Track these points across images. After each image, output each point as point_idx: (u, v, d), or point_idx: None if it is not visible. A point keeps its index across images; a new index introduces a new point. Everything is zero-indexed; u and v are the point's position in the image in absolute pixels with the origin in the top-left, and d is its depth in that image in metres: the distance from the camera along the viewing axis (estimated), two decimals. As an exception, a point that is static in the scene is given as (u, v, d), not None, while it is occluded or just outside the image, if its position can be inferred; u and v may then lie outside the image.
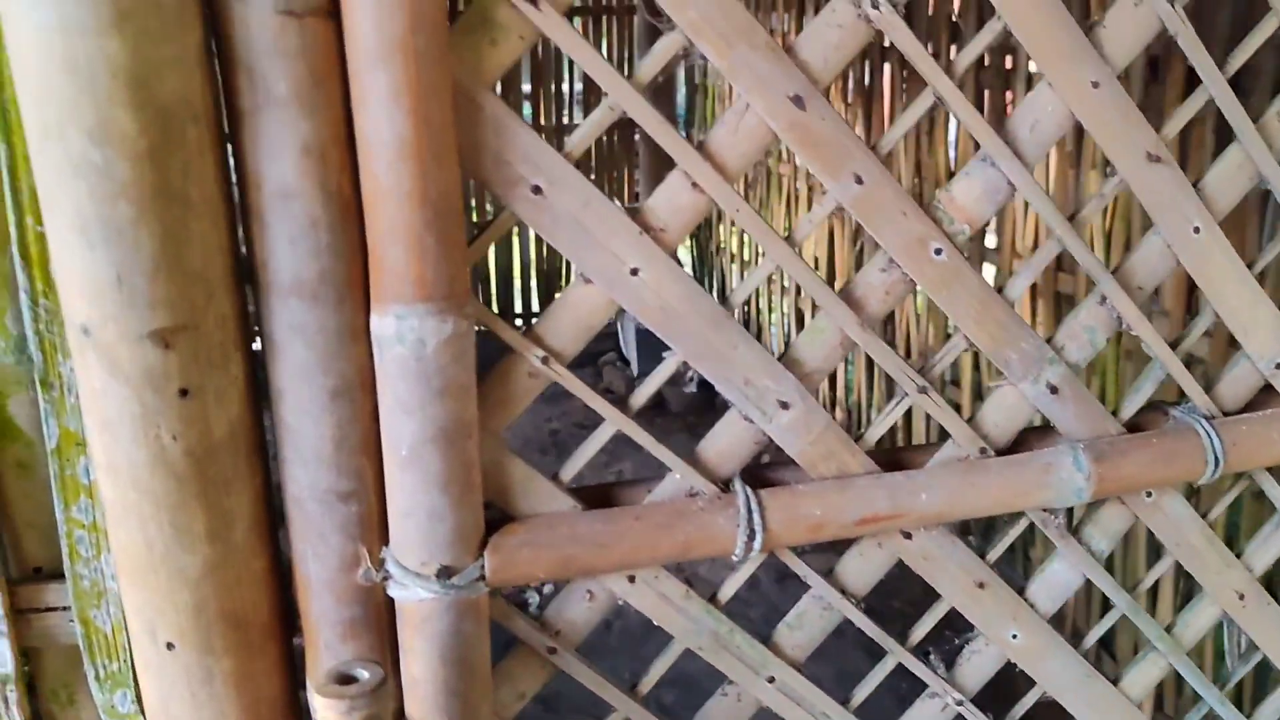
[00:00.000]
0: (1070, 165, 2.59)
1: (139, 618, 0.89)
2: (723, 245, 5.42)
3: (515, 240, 5.63)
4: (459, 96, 0.85)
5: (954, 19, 3.03)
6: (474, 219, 5.39)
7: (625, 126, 5.47)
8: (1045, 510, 1.16)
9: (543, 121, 5.49)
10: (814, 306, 4.18)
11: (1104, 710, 1.27)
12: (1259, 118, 1.15)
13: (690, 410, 4.45)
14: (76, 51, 0.72)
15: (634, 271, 0.94)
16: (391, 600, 0.93)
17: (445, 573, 0.90)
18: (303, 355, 0.85)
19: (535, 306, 5.69)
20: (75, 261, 0.77)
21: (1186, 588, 2.37)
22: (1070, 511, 1.27)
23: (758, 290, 5.03)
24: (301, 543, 0.91)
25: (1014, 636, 1.20)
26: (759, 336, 3.95)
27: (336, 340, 0.85)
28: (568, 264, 5.64)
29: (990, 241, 3.10)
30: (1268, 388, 1.24)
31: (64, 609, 1.00)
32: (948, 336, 3.41)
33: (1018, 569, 3.04)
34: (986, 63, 2.83)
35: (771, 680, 1.12)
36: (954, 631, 1.24)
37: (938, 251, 1.04)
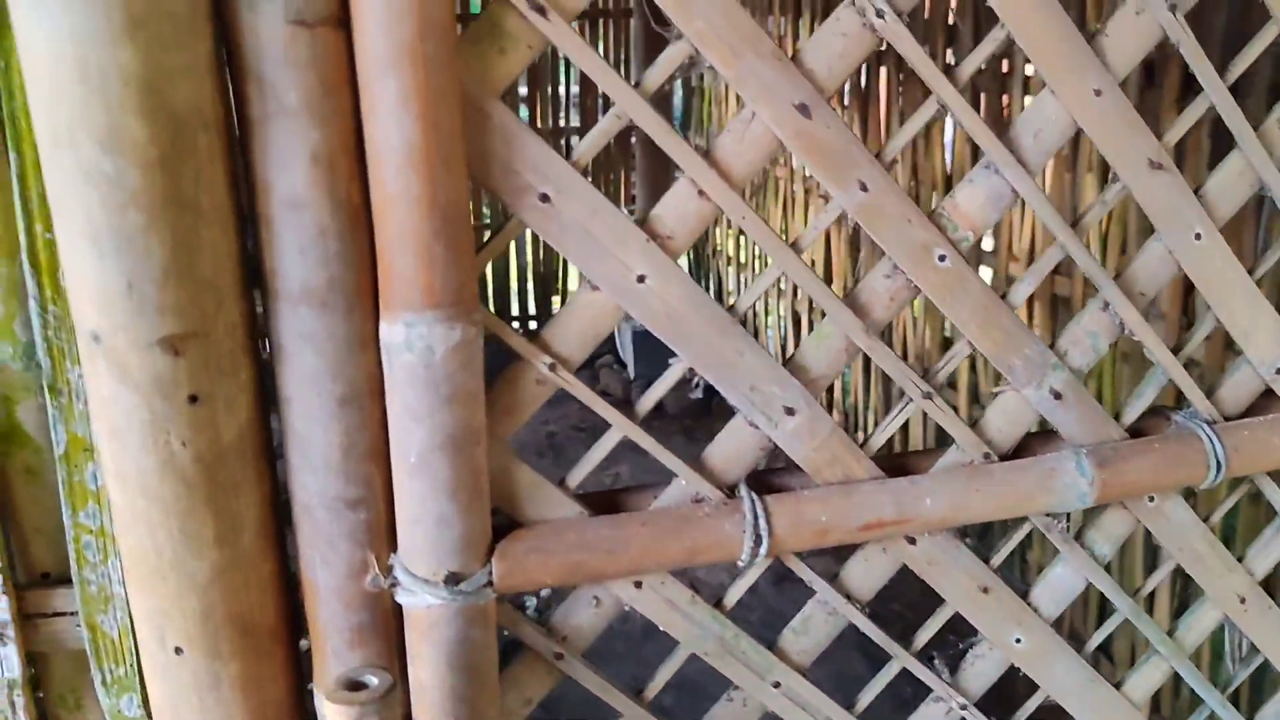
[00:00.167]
0: (1067, 169, 2.60)
1: (147, 622, 0.90)
2: (718, 249, 5.42)
3: (512, 244, 5.63)
4: (468, 105, 0.86)
5: (950, 22, 3.04)
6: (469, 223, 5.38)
7: (622, 131, 5.46)
8: (1048, 515, 1.17)
9: (539, 125, 5.49)
10: (811, 308, 4.19)
11: (1106, 713, 1.28)
12: (1256, 123, 1.15)
13: (687, 414, 4.45)
14: (88, 60, 0.72)
15: (641, 279, 0.95)
16: (399, 607, 0.93)
17: (453, 579, 0.90)
18: (312, 363, 0.85)
19: (532, 310, 5.69)
20: (86, 269, 0.78)
21: (1183, 592, 2.38)
22: (1071, 515, 1.28)
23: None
24: (310, 549, 0.91)
25: (1018, 641, 1.20)
26: (755, 339, 3.95)
27: (345, 348, 0.86)
28: (565, 268, 5.66)
29: (987, 244, 3.11)
30: (1268, 392, 1.25)
31: (71, 614, 1.01)
32: (944, 339, 3.45)
33: (1014, 571, 3.04)
34: (983, 67, 2.84)
35: (777, 685, 1.12)
36: (957, 636, 1.24)
37: (942, 258, 1.04)
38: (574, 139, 5.58)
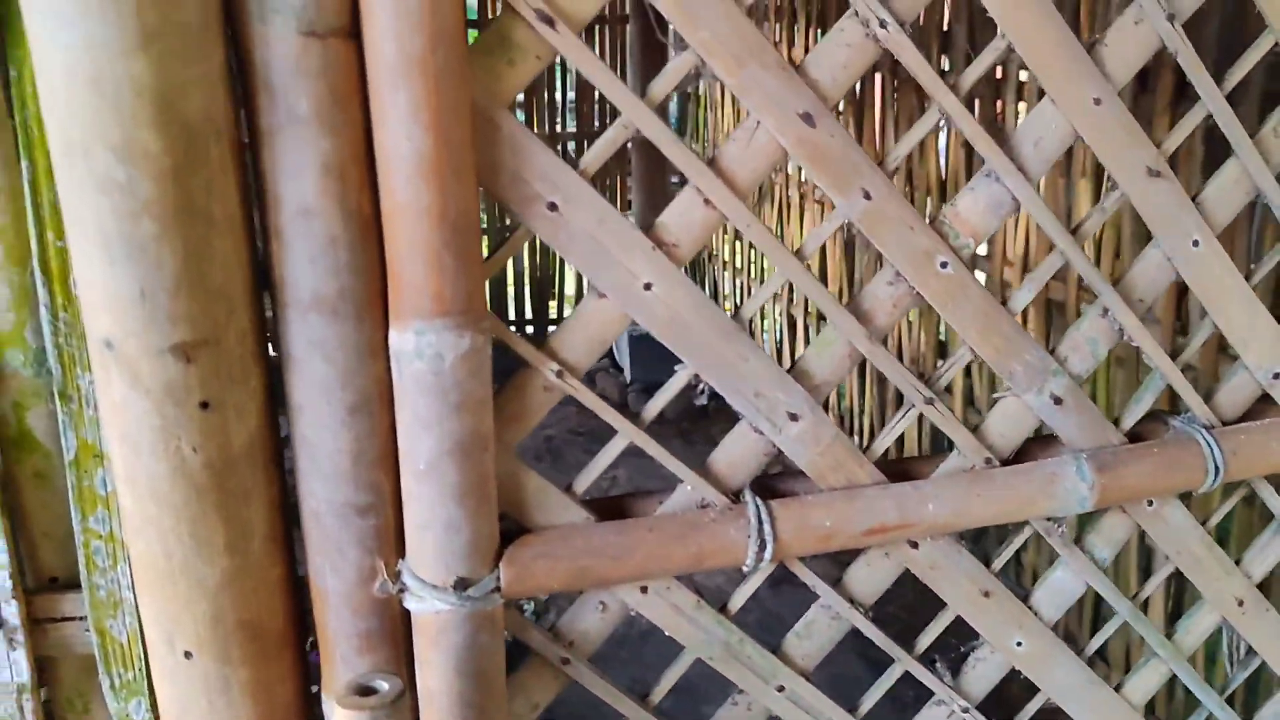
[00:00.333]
0: (1060, 175, 2.61)
1: (156, 627, 0.90)
2: (714, 253, 5.43)
3: (509, 248, 5.63)
4: (477, 115, 0.86)
5: (945, 28, 3.05)
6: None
7: (618, 135, 5.47)
8: (1049, 519, 1.18)
9: (535, 131, 5.49)
10: (807, 312, 4.19)
11: (1106, 716, 1.29)
12: (1250, 129, 1.17)
13: (685, 417, 4.46)
14: (103, 71, 0.73)
15: (647, 286, 0.96)
16: (407, 613, 0.93)
17: (461, 585, 0.91)
18: (322, 371, 0.86)
19: (529, 315, 5.69)
20: (98, 277, 0.78)
21: (1177, 594, 2.39)
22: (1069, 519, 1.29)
23: (749, 295, 5.04)
24: (319, 556, 0.91)
25: (1018, 644, 1.21)
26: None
27: (355, 356, 0.86)
28: (562, 273, 5.67)
29: (981, 249, 3.12)
30: (1265, 397, 1.26)
31: (80, 619, 1.01)
32: (939, 343, 3.46)
33: (1009, 574, 3.06)
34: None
35: (781, 689, 1.13)
36: (957, 639, 1.25)
37: (943, 265, 1.05)
38: (570, 145, 5.59)
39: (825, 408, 1.05)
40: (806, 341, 4.33)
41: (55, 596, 1.01)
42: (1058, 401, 1.14)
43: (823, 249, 3.98)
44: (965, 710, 1.22)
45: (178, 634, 0.90)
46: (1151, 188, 1.12)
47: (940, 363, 3.41)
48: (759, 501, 1.03)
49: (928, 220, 1.05)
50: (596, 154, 0.94)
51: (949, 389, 3.17)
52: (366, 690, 0.85)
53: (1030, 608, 1.22)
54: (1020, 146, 1.07)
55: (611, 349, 5.23)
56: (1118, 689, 1.30)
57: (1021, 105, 2.82)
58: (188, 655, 0.90)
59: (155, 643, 0.91)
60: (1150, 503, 1.23)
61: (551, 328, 5.67)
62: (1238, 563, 1.32)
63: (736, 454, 1.05)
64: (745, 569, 1.04)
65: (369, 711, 0.82)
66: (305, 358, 0.86)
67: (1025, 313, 2.80)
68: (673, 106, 6.00)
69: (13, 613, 1.00)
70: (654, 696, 1.12)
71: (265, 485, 0.90)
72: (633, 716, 1.11)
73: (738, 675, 1.11)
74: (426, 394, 0.86)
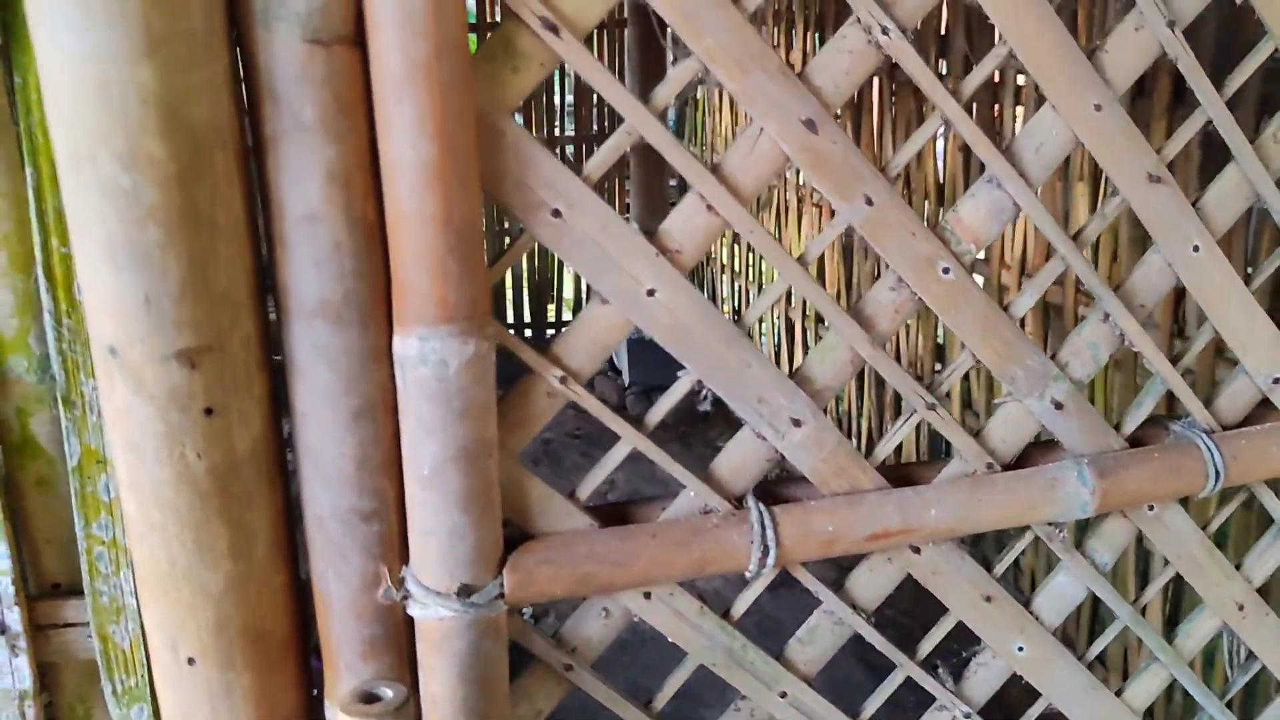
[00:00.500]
0: (1058, 178, 2.62)
1: (160, 633, 0.90)
2: (712, 257, 5.44)
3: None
4: (481, 122, 0.87)
5: (942, 31, 3.06)
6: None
7: (616, 138, 5.47)
8: (1050, 524, 1.18)
9: (534, 133, 5.49)
10: (804, 315, 4.20)
11: (1107, 721, 1.29)
12: (1247, 133, 1.17)
13: (683, 420, 4.46)
14: (109, 78, 0.73)
15: (651, 292, 0.96)
16: (411, 619, 0.93)
17: (465, 591, 0.91)
18: (326, 377, 0.86)
19: (527, 318, 5.69)
20: (103, 283, 0.78)
21: (1174, 598, 2.40)
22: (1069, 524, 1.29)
23: (748, 299, 5.06)
24: (322, 562, 0.91)
25: (1020, 649, 1.22)
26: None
27: (359, 362, 0.86)
28: (560, 276, 5.67)
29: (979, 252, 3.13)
30: (1265, 402, 1.26)
31: (82, 625, 1.01)
32: (937, 345, 3.46)
33: (1007, 578, 3.06)
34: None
35: (783, 695, 1.13)
36: (958, 644, 1.26)
37: (945, 271, 1.05)
38: (569, 148, 5.60)
39: (824, 412, 1.06)
40: (804, 344, 4.34)
41: (58, 602, 1.01)
42: (1059, 407, 1.14)
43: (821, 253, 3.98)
44: (967, 715, 1.23)
45: (181, 640, 0.90)
46: (1152, 194, 1.12)
47: (938, 365, 3.44)
48: (762, 507, 1.03)
49: (927, 223, 1.05)
50: (600, 161, 0.94)
51: (946, 392, 3.20)
52: (370, 697, 0.85)
53: (1032, 612, 1.22)
54: (1021, 153, 1.07)
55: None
56: (1118, 694, 1.31)
57: (1019, 109, 2.83)
58: (191, 661, 0.90)
59: (158, 649, 0.91)
60: (1151, 507, 1.24)
61: (550, 331, 5.67)
62: (1238, 567, 1.32)
63: (739, 460, 1.05)
64: (748, 575, 1.04)
65: (373, 719, 0.82)
66: (309, 364, 0.86)
67: (1024, 316, 2.80)
68: (670, 110, 6.00)
69: (15, 619, 1.00)
70: (657, 703, 1.12)
71: (269, 491, 0.90)
72: (635, 722, 1.11)
73: (740, 681, 1.11)
74: (431, 400, 0.86)
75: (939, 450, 3.53)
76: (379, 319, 0.86)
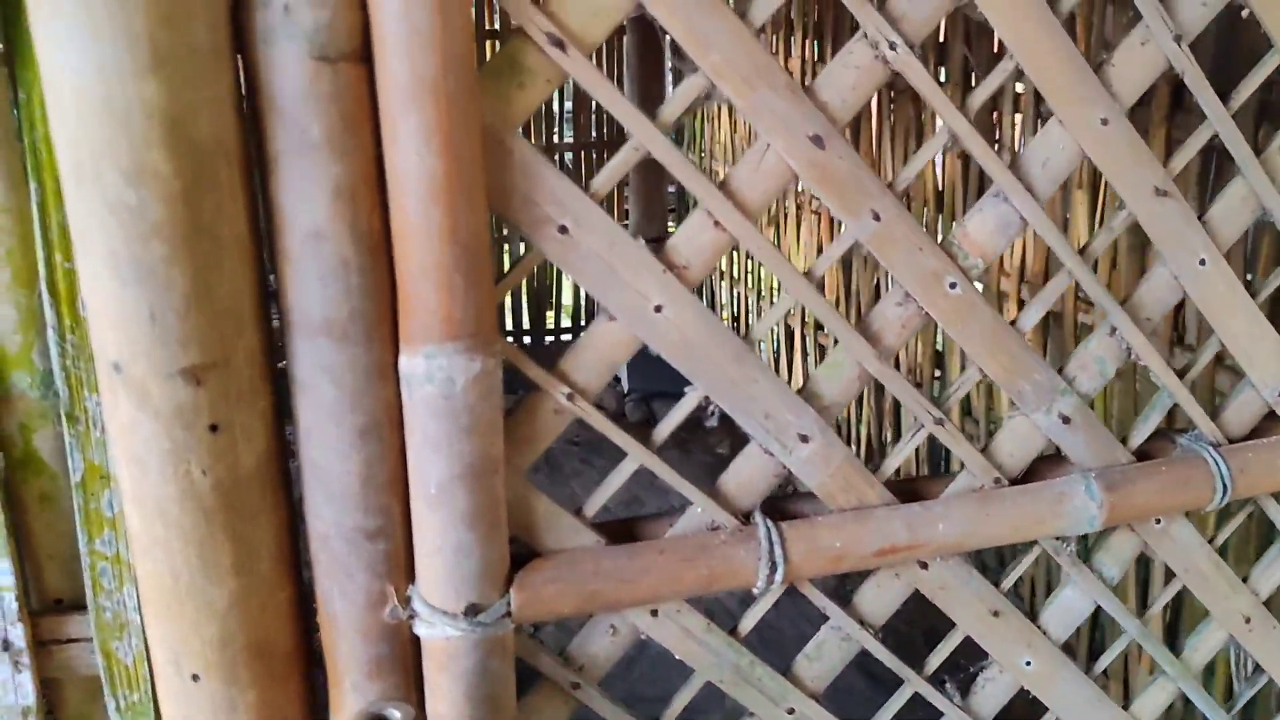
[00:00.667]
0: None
1: (163, 649, 0.89)
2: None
3: (507, 261, 5.64)
4: (487, 138, 0.86)
5: (940, 40, 3.06)
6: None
7: (616, 148, 5.49)
8: (1057, 538, 1.18)
9: (533, 141, 5.50)
10: (804, 324, 4.19)
11: (1113, 735, 1.28)
12: (1247, 142, 1.17)
13: (683, 427, 4.44)
14: (113, 93, 0.73)
15: (658, 309, 0.95)
16: (417, 638, 0.93)
17: (472, 610, 0.90)
18: (331, 394, 0.85)
19: (526, 325, 5.69)
20: (108, 299, 0.78)
21: (1175, 609, 2.39)
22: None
23: (749, 307, 5.06)
24: (327, 580, 0.91)
25: (1027, 663, 1.21)
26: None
27: (365, 379, 0.86)
28: (558, 285, 5.68)
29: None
30: (1271, 414, 1.26)
31: (86, 640, 1.00)
32: (936, 354, 3.46)
33: (1011, 590, 3.05)
34: (974, 87, 2.86)
35: (791, 712, 1.12)
36: (965, 659, 1.25)
37: (952, 285, 1.05)
38: (567, 155, 5.60)
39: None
40: (804, 353, 4.34)
41: (61, 618, 1.01)
42: (1066, 421, 1.14)
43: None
44: (974, 730, 1.22)
45: (185, 656, 0.89)
46: (1159, 207, 1.12)
47: (937, 371, 3.44)
48: (769, 523, 1.02)
49: (924, 229, 1.04)
50: (607, 177, 0.94)
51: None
52: (377, 718, 0.84)
53: (1039, 627, 1.22)
54: (1028, 167, 1.07)
55: (609, 360, 5.23)
56: (1125, 708, 1.30)
57: (1018, 117, 2.83)
58: (195, 678, 0.89)
59: (162, 665, 0.90)
60: (1158, 521, 1.23)
61: (550, 339, 5.67)
62: (1245, 580, 1.32)
63: (746, 475, 1.05)
64: (756, 591, 1.03)
65: (380, 739, 0.81)
66: (313, 381, 0.85)
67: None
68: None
69: (18, 635, 0.99)
70: None
71: (273, 506, 0.89)
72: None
73: (748, 698, 1.10)
74: (437, 417, 0.85)
75: (939, 458, 3.53)
76: (384, 335, 0.86)
